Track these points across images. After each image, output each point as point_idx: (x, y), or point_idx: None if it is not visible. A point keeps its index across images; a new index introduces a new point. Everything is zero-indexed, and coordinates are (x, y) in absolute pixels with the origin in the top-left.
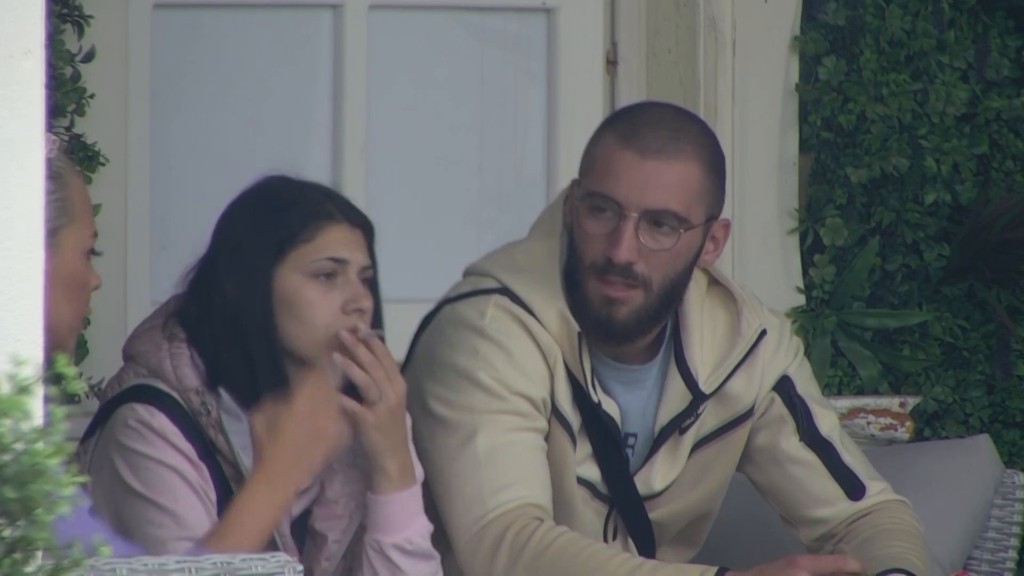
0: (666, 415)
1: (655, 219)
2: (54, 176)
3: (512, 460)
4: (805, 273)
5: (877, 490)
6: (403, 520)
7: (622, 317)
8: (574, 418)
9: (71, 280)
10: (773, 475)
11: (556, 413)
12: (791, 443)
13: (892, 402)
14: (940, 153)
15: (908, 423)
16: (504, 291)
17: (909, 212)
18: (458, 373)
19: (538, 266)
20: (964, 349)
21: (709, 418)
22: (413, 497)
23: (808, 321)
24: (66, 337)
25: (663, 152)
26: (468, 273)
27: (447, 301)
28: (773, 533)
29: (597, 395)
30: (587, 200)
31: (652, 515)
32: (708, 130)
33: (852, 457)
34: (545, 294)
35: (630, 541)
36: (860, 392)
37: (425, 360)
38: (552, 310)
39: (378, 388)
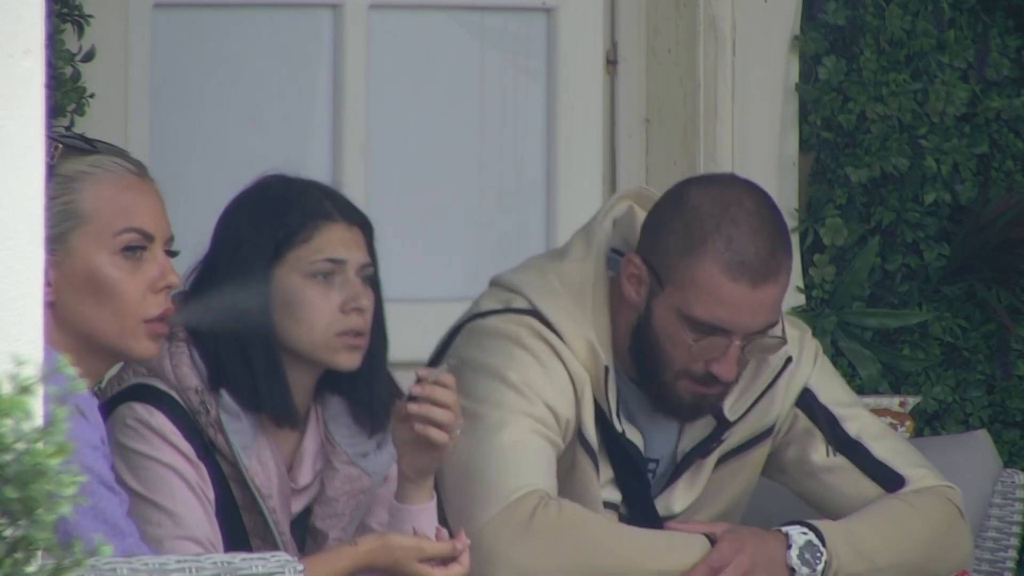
0: (689, 441)
1: (759, 333)
2: (61, 181)
3: (533, 456)
4: (805, 273)
5: (918, 477)
6: (431, 527)
7: (712, 405)
8: (597, 445)
9: (91, 282)
10: (809, 486)
11: (581, 439)
12: (820, 454)
13: (892, 402)
14: (940, 153)
15: (908, 423)
16: (535, 313)
17: (909, 212)
18: (488, 373)
19: (572, 291)
20: (964, 349)
21: (731, 437)
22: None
23: (808, 321)
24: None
25: (769, 276)
26: (498, 284)
27: (478, 315)
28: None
29: (621, 424)
30: (689, 324)
31: None
32: (772, 203)
33: (886, 450)
34: (576, 322)
35: None
36: (860, 392)
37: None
38: (581, 339)
39: (457, 417)
